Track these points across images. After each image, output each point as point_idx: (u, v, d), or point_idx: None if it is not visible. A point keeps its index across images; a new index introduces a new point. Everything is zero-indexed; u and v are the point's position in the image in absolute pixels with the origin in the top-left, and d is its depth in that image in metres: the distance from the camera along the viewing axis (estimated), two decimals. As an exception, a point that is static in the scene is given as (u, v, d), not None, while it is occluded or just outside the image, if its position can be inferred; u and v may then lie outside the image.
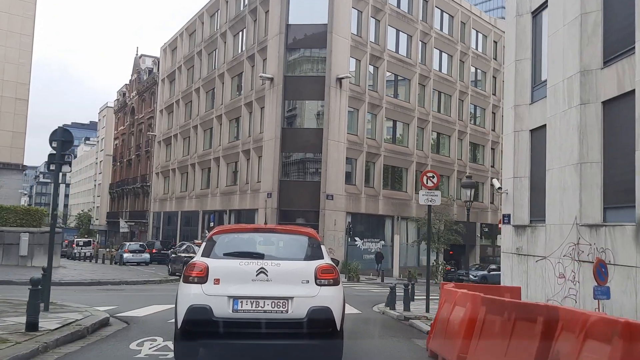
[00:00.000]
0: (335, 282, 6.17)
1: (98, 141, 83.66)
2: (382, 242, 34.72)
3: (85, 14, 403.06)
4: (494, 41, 45.07)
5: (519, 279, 13.75)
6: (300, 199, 31.60)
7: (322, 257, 6.36)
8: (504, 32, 30.12)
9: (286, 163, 32.59)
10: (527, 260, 13.59)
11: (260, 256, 6.20)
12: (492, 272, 33.24)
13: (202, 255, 6.26)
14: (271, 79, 32.34)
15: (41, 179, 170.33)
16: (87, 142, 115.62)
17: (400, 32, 36.68)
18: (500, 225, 16.18)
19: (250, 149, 34.91)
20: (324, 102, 31.62)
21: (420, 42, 37.81)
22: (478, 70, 44.09)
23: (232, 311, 5.82)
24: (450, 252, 37.75)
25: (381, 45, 35.01)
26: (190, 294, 5.89)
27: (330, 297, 6.04)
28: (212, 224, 33.45)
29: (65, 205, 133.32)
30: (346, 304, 6.76)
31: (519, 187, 14.35)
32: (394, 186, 36.66)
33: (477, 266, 34.89)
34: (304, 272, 6.08)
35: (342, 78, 31.72)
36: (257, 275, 5.91)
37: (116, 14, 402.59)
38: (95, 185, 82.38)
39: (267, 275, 5.92)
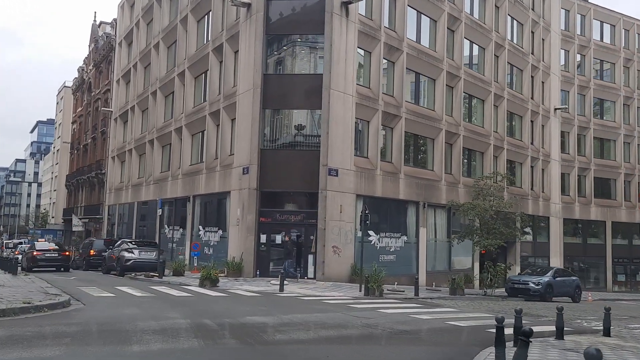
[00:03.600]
0: None
1: (55, 127, 73.24)
2: (405, 237, 25.13)
3: None
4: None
5: None
6: (291, 176, 21.93)
7: None
8: None
9: (270, 125, 22.89)
10: None
11: None
12: (559, 278, 23.79)
13: None
14: (248, 5, 22.61)
15: (11, 178, 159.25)
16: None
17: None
18: None
19: (221, 109, 25.15)
20: (324, 36, 21.97)
21: (448, -28, 28.32)
22: (514, 21, 34.69)
23: None
24: (483, 252, 28.12)
25: (400, -32, 25.48)
26: None
27: None
28: (159, 213, 23.68)
29: (38, 206, 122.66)
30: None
31: None
32: (417, 161, 27.11)
33: (534, 269, 25.35)
34: None
35: (350, 2, 22.11)
36: None
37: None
38: (52, 178, 71.93)
39: None
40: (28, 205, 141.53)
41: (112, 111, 43.91)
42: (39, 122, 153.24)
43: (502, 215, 23.89)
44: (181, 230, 28.57)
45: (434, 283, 23.82)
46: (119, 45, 43.35)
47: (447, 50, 28.06)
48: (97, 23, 54.56)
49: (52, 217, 65.65)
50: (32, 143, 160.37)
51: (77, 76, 60.45)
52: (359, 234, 22.54)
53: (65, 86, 66.15)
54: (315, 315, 11.56)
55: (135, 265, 21.81)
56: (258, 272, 21.39)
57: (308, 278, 21.19)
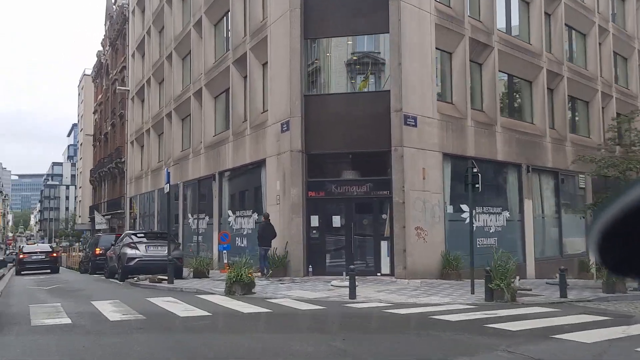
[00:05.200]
0: None
1: (78, 120, 68.82)
2: (507, 213, 18.27)
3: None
4: None
5: None
6: (349, 130, 15.42)
7: None
8: None
9: (315, 61, 16.43)
10: None
11: None
12: None
13: None
14: None
15: (49, 182, 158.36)
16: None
17: None
18: None
19: (248, 53, 18.82)
20: None
21: None
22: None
23: None
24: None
25: None
26: None
27: None
28: (167, 189, 17.30)
29: (67, 209, 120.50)
30: None
31: None
32: (513, 111, 20.24)
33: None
34: None
35: None
36: None
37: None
38: (77, 174, 67.57)
39: None
40: (67, 209, 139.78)
41: (128, 90, 38.39)
42: (74, 125, 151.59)
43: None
44: (207, 218, 22.51)
45: (549, 274, 16.92)
46: (132, 13, 37.75)
47: (543, -36, 20.94)
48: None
49: (79, 217, 61.20)
50: (68, 146, 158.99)
51: (95, 62, 55.44)
52: (449, 208, 15.92)
53: (85, 74, 61.45)
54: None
55: (141, 266, 15.76)
56: (310, 269, 15.08)
57: (382, 274, 14.75)
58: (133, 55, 37.32)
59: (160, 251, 16.25)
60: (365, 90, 16.02)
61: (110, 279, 17.81)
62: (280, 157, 15.91)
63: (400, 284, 13.39)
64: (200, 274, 15.89)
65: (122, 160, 39.89)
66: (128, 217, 37.69)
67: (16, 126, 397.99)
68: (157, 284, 13.73)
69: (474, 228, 16.38)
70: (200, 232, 23.34)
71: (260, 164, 17.58)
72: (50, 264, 26.40)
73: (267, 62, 17.65)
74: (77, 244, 49.10)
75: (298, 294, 11.55)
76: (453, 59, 17.06)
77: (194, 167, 24.07)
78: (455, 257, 14.85)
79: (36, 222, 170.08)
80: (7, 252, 41.40)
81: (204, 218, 23.03)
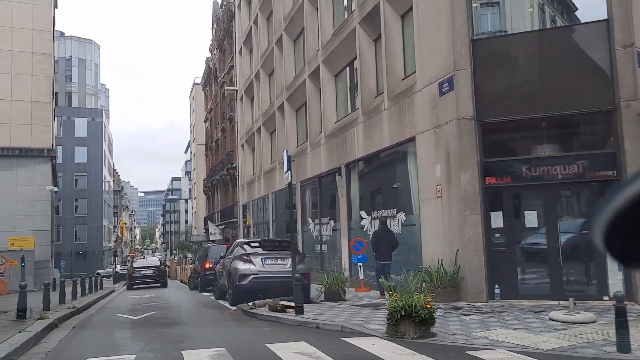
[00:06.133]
0: None
1: (190, 131, 68.82)
2: None
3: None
4: None
5: None
6: (542, 85, 10.42)
7: None
8: None
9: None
10: None
11: None
12: None
13: None
14: None
15: (170, 196, 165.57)
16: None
17: None
18: None
19: (380, 3, 14.42)
20: None
21: None
22: None
23: None
24: None
25: None
26: None
27: None
28: (287, 179, 13.05)
29: (186, 222, 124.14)
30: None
31: None
32: None
33: None
34: None
35: None
36: None
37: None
38: (192, 186, 67.36)
39: None
40: (186, 221, 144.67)
41: (236, 90, 35.89)
42: (189, 142, 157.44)
43: None
44: (332, 222, 18.39)
45: None
46: (238, 7, 35.26)
47: None
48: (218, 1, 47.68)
49: (194, 228, 60.54)
50: (186, 162, 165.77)
51: (204, 69, 54.42)
52: None
53: (195, 83, 60.96)
54: None
55: (257, 285, 11.82)
56: (497, 290, 10.20)
57: (607, 299, 9.50)
58: (240, 52, 34.76)
59: (280, 265, 12.24)
60: (563, 24, 10.93)
61: (220, 300, 14.17)
62: (440, 131, 11.25)
63: (662, 317, 8.13)
64: (334, 295, 11.67)
65: (234, 165, 37.41)
66: (241, 225, 34.94)
67: (142, 147, 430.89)
68: (281, 315, 9.61)
69: None
70: (323, 239, 19.28)
71: (406, 146, 13.03)
72: (159, 278, 26.64)
73: (409, 10, 13.14)
74: (189, 255, 47.71)
75: (512, 340, 6.81)
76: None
77: (313, 163, 20.11)
78: None
79: (160, 236, 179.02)
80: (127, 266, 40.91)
81: (327, 223, 18.94)
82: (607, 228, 0.95)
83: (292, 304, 9.91)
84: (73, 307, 12.68)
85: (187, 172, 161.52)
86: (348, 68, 17.75)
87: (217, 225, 43.30)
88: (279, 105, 25.03)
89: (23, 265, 28.88)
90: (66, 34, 71.17)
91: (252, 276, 11.87)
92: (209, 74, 50.66)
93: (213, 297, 15.23)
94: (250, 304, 10.84)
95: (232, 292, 12.21)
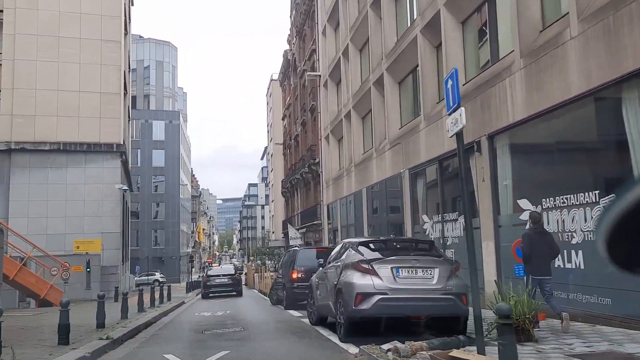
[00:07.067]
0: None
1: (267, 130, 65.71)
2: None
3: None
4: None
5: None
6: None
7: None
8: None
9: None
10: None
11: None
12: None
13: None
14: None
15: (247, 202, 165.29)
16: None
17: None
18: None
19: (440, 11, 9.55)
20: None
21: None
22: None
23: None
24: None
25: None
26: None
27: None
28: (456, 128, 8.62)
29: (262, 228, 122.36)
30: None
31: None
32: None
33: None
34: None
35: None
36: None
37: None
38: (269, 191, 64.14)
39: None
40: (263, 227, 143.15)
41: (319, 75, 31.82)
42: (266, 148, 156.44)
43: None
44: (460, 219, 13.53)
45: None
46: (321, -19, 31.25)
47: None
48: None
49: (272, 233, 57.11)
50: (262, 168, 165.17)
51: (282, 62, 50.99)
52: None
53: (272, 79, 57.76)
54: None
55: (388, 310, 7.23)
56: None
57: None
58: (324, 32, 30.65)
59: (421, 278, 7.57)
60: None
61: (319, 328, 9.71)
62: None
63: None
64: (520, 332, 6.84)
65: (316, 161, 33.30)
66: (326, 228, 30.65)
67: (220, 158, 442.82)
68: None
69: None
70: (448, 242, 14.41)
71: (611, 91, 8.02)
72: (234, 287, 25.83)
73: (470, 16, 8.18)
74: (268, 262, 44.00)
75: None
76: None
77: (429, 142, 15.34)
78: None
79: (237, 242, 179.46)
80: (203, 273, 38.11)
81: (453, 220, 14.10)
82: (610, 236, 0.91)
83: (472, 356, 5.21)
84: (108, 338, 8.65)
85: (264, 179, 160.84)
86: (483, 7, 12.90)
87: (298, 229, 39.31)
88: (376, 79, 20.50)
89: (88, 271, 26.08)
90: (144, 37, 70.60)
91: (379, 296, 7.25)
92: (287, 66, 47.11)
93: (307, 321, 10.79)
94: (387, 347, 6.20)
95: (346, 323, 7.64)
